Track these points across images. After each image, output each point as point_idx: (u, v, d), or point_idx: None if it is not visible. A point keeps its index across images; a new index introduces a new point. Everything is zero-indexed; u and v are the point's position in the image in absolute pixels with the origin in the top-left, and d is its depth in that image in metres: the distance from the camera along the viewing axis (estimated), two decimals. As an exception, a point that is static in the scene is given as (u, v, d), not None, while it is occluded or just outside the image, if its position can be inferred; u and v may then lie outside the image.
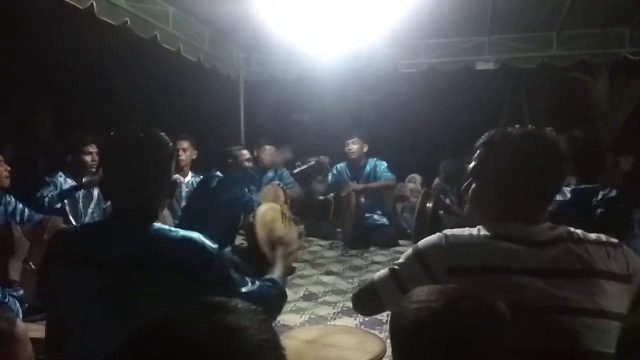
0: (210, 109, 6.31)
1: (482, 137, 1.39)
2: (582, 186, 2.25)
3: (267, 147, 5.26)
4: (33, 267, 2.43)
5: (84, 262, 1.40)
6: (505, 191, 1.32)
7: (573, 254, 1.23)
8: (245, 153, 4.19)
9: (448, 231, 1.31)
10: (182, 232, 1.43)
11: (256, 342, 0.64)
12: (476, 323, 0.96)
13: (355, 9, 3.72)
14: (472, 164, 1.40)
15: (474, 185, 1.40)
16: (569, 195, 2.23)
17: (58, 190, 3.52)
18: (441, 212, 4.27)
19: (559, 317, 1.17)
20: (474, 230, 1.31)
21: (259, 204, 4.06)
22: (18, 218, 2.95)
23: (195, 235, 1.43)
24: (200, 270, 1.38)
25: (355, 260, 4.40)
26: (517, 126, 1.37)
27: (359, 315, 3.14)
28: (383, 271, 1.39)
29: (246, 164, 4.14)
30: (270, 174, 5.28)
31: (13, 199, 2.97)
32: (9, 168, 2.92)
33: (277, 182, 5.03)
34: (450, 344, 0.94)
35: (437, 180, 5.21)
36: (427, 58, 5.26)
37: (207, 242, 1.43)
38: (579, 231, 1.29)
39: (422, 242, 1.34)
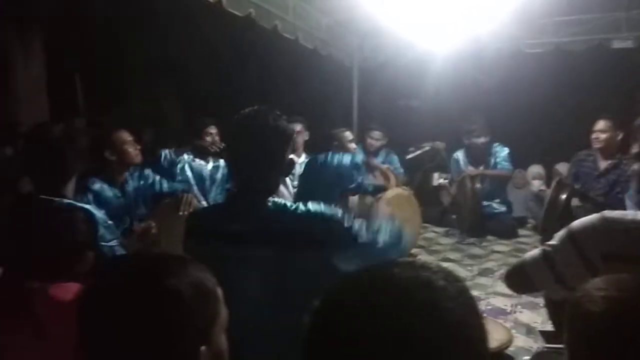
0: (324, 94, 6.44)
1: None
2: None
3: (376, 131, 5.26)
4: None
5: (216, 237, 1.51)
6: None
7: None
8: (349, 135, 4.21)
9: (608, 213, 1.25)
10: (302, 205, 1.51)
11: (458, 317, 0.63)
12: None
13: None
14: None
15: None
16: None
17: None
18: (577, 202, 3.97)
19: None
20: (638, 215, 1.22)
21: (373, 187, 4.08)
22: (158, 188, 3.17)
23: (315, 206, 1.50)
24: (322, 237, 1.46)
25: (473, 249, 4.29)
26: None
27: (480, 303, 3.07)
28: (535, 251, 1.37)
29: (350, 145, 4.17)
30: (379, 158, 5.28)
31: (151, 173, 3.19)
32: (139, 146, 3.13)
33: (387, 165, 5.02)
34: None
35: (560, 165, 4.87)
36: (554, 37, 4.88)
37: (328, 211, 1.49)
38: None
39: (577, 223, 1.29)
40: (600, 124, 4.15)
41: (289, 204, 1.53)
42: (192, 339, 0.82)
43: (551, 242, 1.34)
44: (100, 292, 0.84)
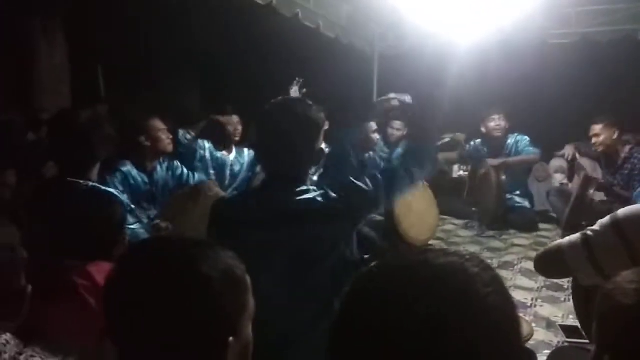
0: (344, 84, 6.40)
1: None
2: None
3: (397, 121, 5.22)
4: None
5: (241, 226, 1.52)
6: None
7: None
8: (373, 125, 4.20)
9: None
10: (321, 189, 1.54)
11: (490, 304, 0.61)
12: None
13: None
14: None
15: None
16: None
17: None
18: (600, 197, 3.92)
19: None
20: None
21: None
22: (184, 180, 3.24)
23: (323, 191, 1.53)
24: (337, 212, 1.49)
25: (493, 242, 4.25)
26: None
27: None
28: (574, 237, 1.36)
29: (374, 135, 4.15)
30: (400, 149, 5.24)
31: (179, 164, 3.28)
32: (171, 136, 3.22)
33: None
34: None
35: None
36: (580, 28, 4.77)
37: (329, 192, 1.52)
38: None
39: (622, 211, 1.28)
40: (595, 129, 4.23)
41: (311, 190, 1.53)
42: (221, 328, 0.80)
43: (593, 228, 1.33)
44: (130, 276, 0.82)
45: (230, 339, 0.79)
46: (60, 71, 5.23)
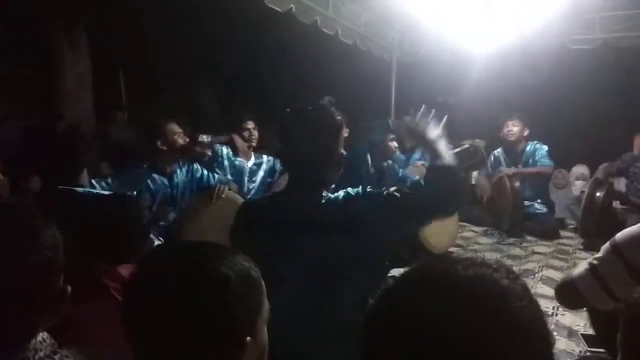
0: (362, 90, 6.41)
1: None
2: None
3: None
4: None
5: (266, 230, 1.52)
6: None
7: None
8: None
9: None
10: (342, 192, 1.56)
11: (524, 316, 0.61)
12: None
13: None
14: None
15: None
16: None
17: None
18: (619, 205, 3.86)
19: None
20: None
21: (412, 183, 4.03)
22: (205, 182, 3.28)
23: (347, 190, 1.55)
24: (366, 212, 1.47)
25: (514, 250, 4.21)
26: None
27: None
28: (582, 265, 1.35)
29: (391, 143, 4.13)
30: (416, 155, 5.22)
31: (199, 167, 3.32)
32: (187, 139, 3.26)
33: (423, 163, 4.95)
34: None
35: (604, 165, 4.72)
36: (602, 33, 4.70)
37: (354, 190, 1.55)
38: None
39: (620, 234, 1.27)
40: None
41: (333, 195, 1.54)
42: (239, 326, 0.81)
43: (597, 255, 1.33)
44: (149, 275, 0.83)
45: (248, 338, 0.81)
46: (83, 78, 5.34)
